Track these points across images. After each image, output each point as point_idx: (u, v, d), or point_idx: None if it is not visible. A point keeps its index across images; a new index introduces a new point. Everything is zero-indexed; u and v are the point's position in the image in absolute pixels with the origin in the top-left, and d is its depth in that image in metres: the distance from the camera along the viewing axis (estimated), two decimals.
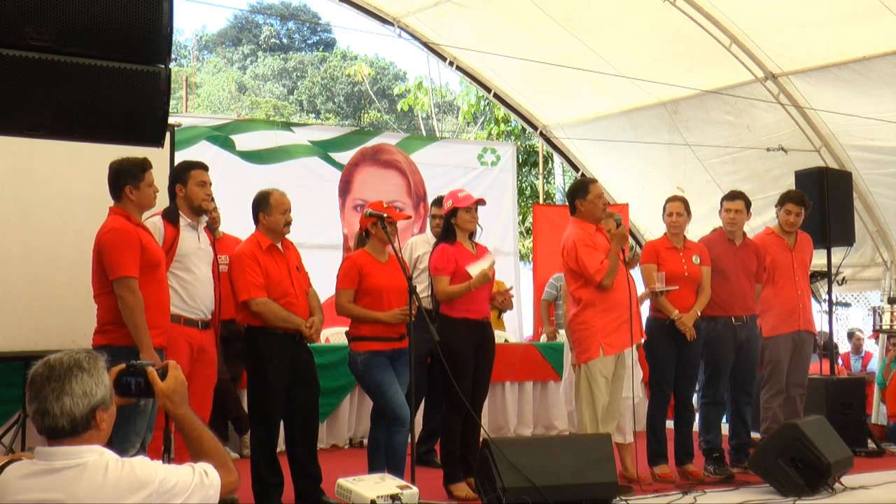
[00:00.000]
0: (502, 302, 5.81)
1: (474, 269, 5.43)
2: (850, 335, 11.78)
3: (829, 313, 8.09)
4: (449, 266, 5.44)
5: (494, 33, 9.58)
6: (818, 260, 7.51)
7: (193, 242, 4.96)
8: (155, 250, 4.63)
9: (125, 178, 4.62)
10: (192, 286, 4.90)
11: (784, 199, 6.75)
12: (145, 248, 4.56)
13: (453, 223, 5.54)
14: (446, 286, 5.43)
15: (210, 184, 5.08)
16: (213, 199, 5.78)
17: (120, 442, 4.05)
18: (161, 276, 4.66)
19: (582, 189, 5.83)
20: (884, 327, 8.63)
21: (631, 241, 5.87)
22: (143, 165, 4.69)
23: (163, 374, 2.52)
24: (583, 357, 5.63)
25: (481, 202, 5.63)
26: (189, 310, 4.88)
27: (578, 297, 5.67)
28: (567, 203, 6.04)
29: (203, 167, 5.08)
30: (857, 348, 11.74)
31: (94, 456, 2.31)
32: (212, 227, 5.47)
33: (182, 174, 5.01)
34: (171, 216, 4.93)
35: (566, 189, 6.43)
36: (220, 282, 5.14)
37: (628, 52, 9.20)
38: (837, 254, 8.14)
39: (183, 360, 4.78)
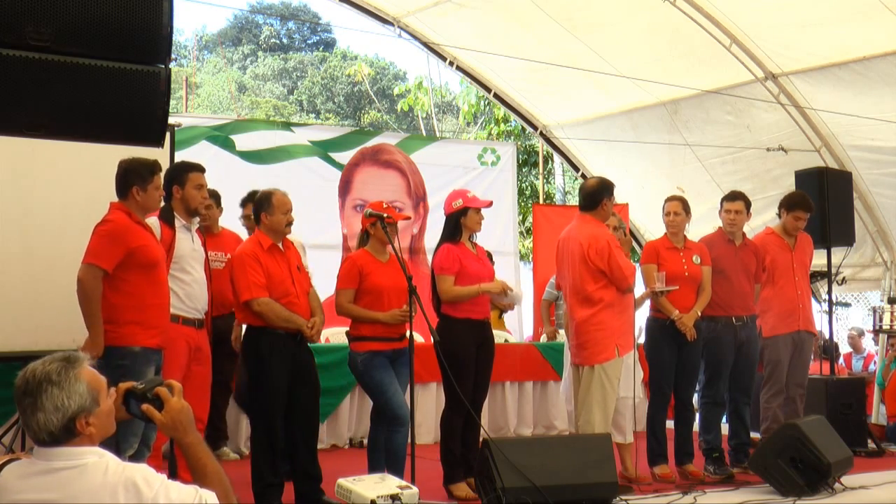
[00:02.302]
0: (507, 304, 5.84)
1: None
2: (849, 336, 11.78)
3: (829, 313, 8.10)
4: (454, 266, 5.45)
5: (494, 33, 9.57)
6: (818, 260, 7.51)
7: (188, 244, 5.00)
8: (154, 249, 4.63)
9: (134, 178, 4.63)
10: (189, 287, 4.93)
11: (793, 205, 6.68)
12: (142, 247, 4.56)
13: (462, 223, 5.55)
14: (451, 286, 5.44)
15: (206, 186, 5.10)
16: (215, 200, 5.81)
17: (118, 442, 4.05)
18: (160, 275, 4.66)
19: (609, 188, 5.79)
20: (884, 327, 8.63)
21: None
22: (153, 168, 4.71)
23: (160, 405, 2.44)
24: (599, 358, 5.59)
25: (490, 205, 5.68)
26: (186, 310, 4.91)
27: (599, 297, 5.60)
28: (574, 202, 6.02)
29: (200, 169, 5.09)
30: (856, 347, 11.73)
31: (94, 457, 2.30)
32: (201, 226, 5.48)
33: (180, 175, 5.01)
34: (167, 217, 4.95)
35: (576, 188, 6.36)
36: (211, 281, 5.17)
37: (628, 52, 9.20)
38: (837, 254, 8.14)
39: (182, 359, 4.83)
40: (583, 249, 5.61)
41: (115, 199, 4.75)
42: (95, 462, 2.29)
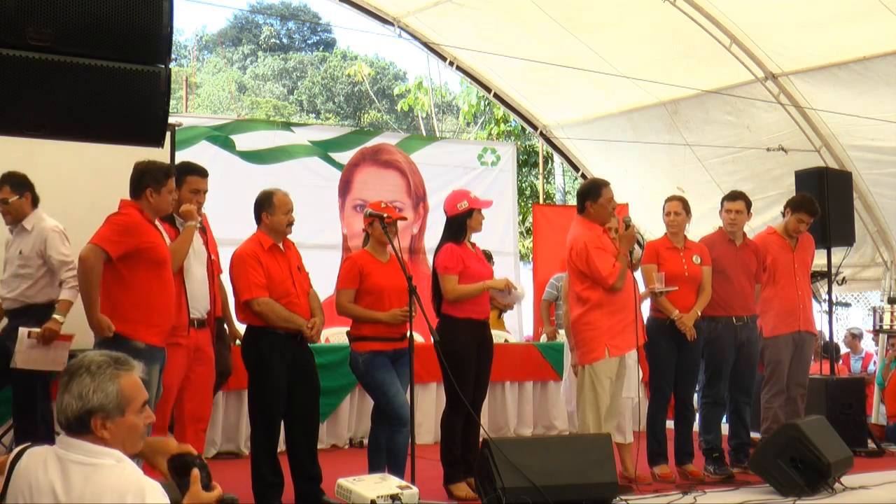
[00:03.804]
0: (506, 304, 5.86)
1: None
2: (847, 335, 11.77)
3: (829, 313, 8.09)
4: (458, 266, 5.47)
5: (494, 33, 9.58)
6: (818, 260, 7.51)
7: None
8: (161, 248, 4.67)
9: (149, 181, 4.67)
10: (190, 286, 4.93)
11: (798, 207, 6.66)
12: (153, 245, 4.61)
13: (468, 224, 5.55)
14: (456, 285, 5.44)
15: (205, 191, 5.09)
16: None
17: None
18: (166, 275, 4.68)
19: (594, 191, 5.79)
20: (884, 327, 8.62)
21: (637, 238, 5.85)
22: (168, 172, 4.76)
23: (183, 486, 2.44)
24: (588, 358, 5.60)
25: (491, 204, 5.74)
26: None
27: (586, 297, 5.62)
28: (574, 202, 6.03)
29: (200, 174, 5.09)
30: (854, 348, 11.72)
31: (111, 461, 2.30)
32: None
33: (179, 177, 5.04)
34: (168, 217, 4.97)
35: (576, 188, 6.36)
36: (214, 281, 5.17)
37: (628, 52, 9.20)
38: (837, 254, 8.14)
39: (180, 358, 4.83)
40: (567, 251, 5.70)
41: (116, 198, 4.76)
42: (111, 465, 2.29)
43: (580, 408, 5.66)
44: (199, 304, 5.00)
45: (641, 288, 6.21)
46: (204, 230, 5.30)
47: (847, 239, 8.00)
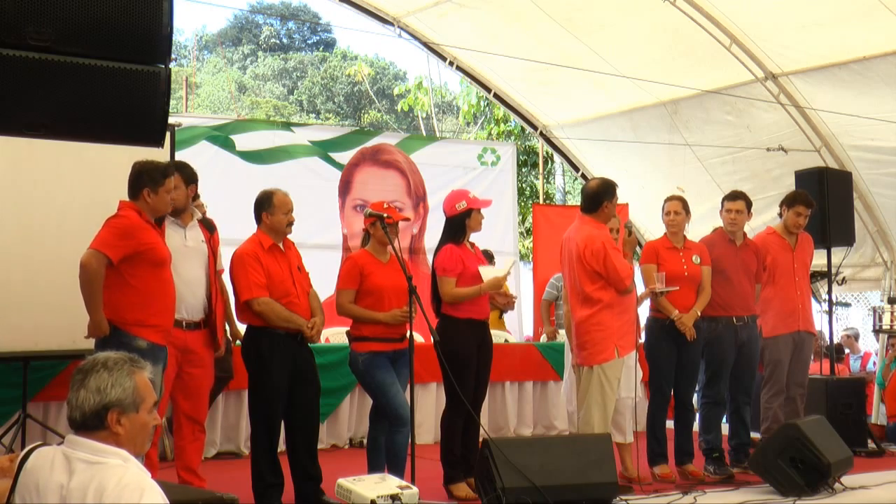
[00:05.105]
0: (504, 304, 5.85)
1: (487, 272, 5.46)
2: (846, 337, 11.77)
3: (829, 313, 8.09)
4: (457, 267, 5.46)
5: (494, 33, 9.58)
6: (818, 260, 7.51)
7: (178, 241, 4.95)
8: (160, 249, 4.67)
9: (146, 181, 4.67)
10: (177, 286, 4.86)
11: (793, 201, 6.69)
12: (152, 247, 4.61)
13: (467, 224, 5.55)
14: (453, 287, 5.44)
15: (175, 188, 4.88)
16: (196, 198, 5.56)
17: None
18: (166, 275, 4.68)
19: (611, 191, 5.75)
20: (884, 327, 8.62)
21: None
22: (166, 172, 4.75)
23: None
24: (599, 358, 5.58)
25: (490, 204, 5.73)
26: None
27: (598, 298, 5.59)
28: (574, 202, 6.02)
29: (179, 172, 5.02)
30: (852, 347, 11.72)
31: (118, 460, 2.31)
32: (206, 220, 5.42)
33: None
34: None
35: (576, 188, 6.35)
36: (216, 280, 5.13)
37: (628, 52, 9.20)
38: (837, 254, 8.13)
39: (170, 359, 4.82)
40: (579, 250, 5.61)
41: (115, 198, 4.77)
42: (117, 464, 2.30)
43: (585, 408, 5.63)
44: (189, 305, 4.95)
45: (641, 288, 6.21)
46: (211, 230, 5.25)
47: (847, 239, 7.99)
